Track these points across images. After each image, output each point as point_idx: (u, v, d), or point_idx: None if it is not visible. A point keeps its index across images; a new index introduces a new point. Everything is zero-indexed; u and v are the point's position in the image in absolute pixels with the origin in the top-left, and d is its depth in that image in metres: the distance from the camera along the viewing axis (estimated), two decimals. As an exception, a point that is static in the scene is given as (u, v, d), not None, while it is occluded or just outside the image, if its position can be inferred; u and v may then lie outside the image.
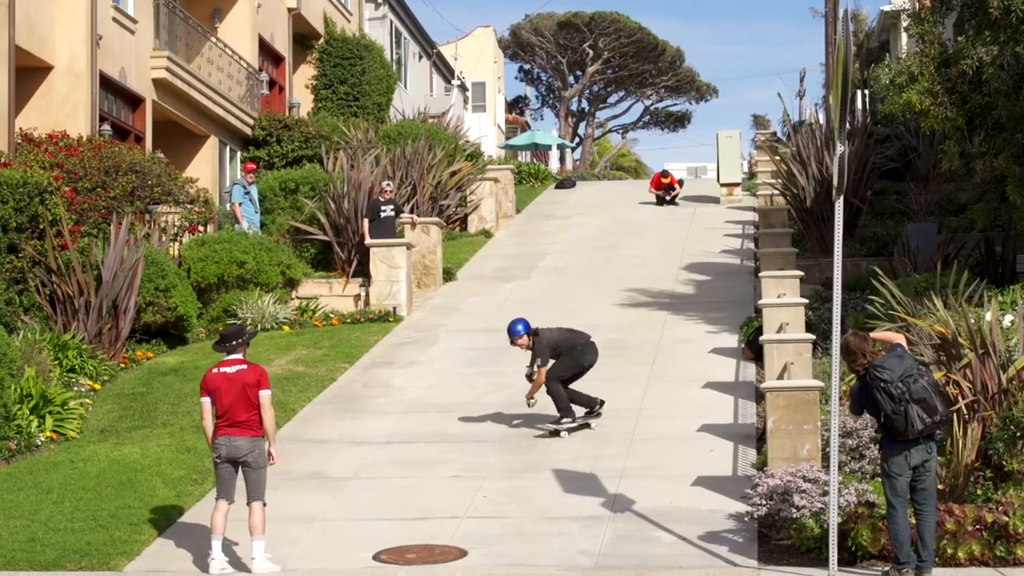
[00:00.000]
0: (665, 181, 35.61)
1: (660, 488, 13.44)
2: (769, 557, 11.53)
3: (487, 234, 30.76)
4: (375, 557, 11.96)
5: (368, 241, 23.42)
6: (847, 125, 11.04)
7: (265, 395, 11.72)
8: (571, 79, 69.86)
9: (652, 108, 74.79)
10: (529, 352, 15.71)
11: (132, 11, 26.56)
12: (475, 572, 11.46)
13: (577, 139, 70.63)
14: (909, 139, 29.82)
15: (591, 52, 67.25)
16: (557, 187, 40.65)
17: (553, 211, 34.64)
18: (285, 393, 17.50)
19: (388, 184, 24.91)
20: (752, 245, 27.59)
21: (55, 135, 22.64)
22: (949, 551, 11.04)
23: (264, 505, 11.73)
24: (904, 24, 21.11)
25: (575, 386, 15.87)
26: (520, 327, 15.65)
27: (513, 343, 15.75)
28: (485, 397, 17.34)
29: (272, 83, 34.36)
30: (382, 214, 24.14)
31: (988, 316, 13.98)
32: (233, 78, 30.86)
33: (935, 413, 10.62)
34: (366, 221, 24.01)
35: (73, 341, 18.21)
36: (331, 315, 22.44)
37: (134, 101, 26.91)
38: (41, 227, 19.10)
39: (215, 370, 11.89)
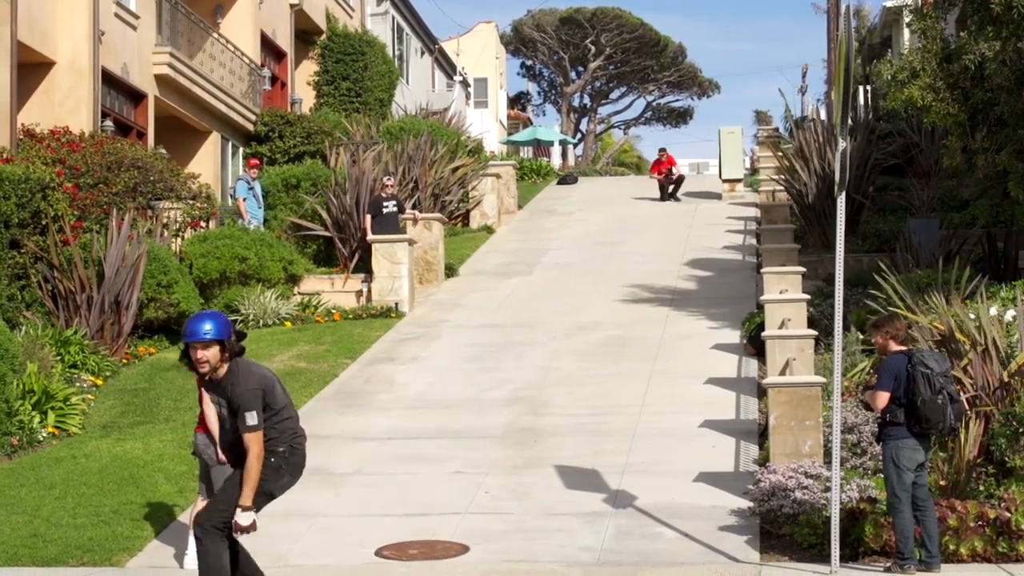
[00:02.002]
0: (664, 163, 35.49)
1: (662, 484, 13.44)
2: (771, 553, 11.53)
3: (489, 230, 30.75)
4: (377, 553, 11.96)
5: (370, 237, 23.42)
6: (849, 121, 11.04)
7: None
8: (573, 75, 69.86)
9: (654, 104, 74.84)
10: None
11: (134, 7, 26.57)
12: (477, 568, 11.46)
13: (579, 135, 70.63)
14: (911, 135, 29.81)
15: (593, 48, 67.25)
16: (559, 183, 40.65)
17: (555, 207, 34.63)
18: (287, 388, 17.50)
19: (390, 180, 24.91)
20: (754, 241, 27.58)
21: (57, 131, 22.65)
22: (951, 547, 11.04)
23: None
24: (906, 20, 21.09)
25: None
26: (211, 325, 8.66)
27: (194, 357, 8.72)
28: (487, 393, 17.34)
29: (274, 79, 34.36)
30: (384, 210, 24.14)
31: (992, 311, 13.99)
32: (235, 74, 30.86)
33: (959, 418, 11.01)
34: (368, 217, 24.01)
35: (75, 337, 18.21)
36: (333, 311, 22.44)
37: (136, 97, 26.92)
38: (43, 223, 19.10)
39: None
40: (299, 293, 23.26)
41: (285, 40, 35.14)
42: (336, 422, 16.35)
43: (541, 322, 21.23)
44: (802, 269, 19.99)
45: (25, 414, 15.36)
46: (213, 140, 29.98)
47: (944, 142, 22.76)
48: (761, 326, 17.86)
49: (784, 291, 18.63)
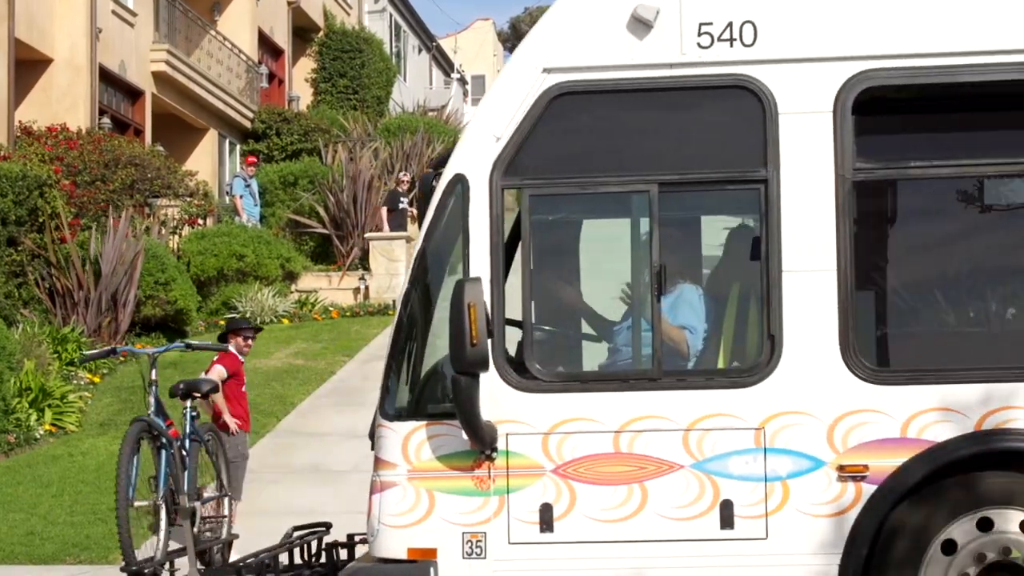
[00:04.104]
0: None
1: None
2: (769, 550, 11.51)
3: (487, 227, 30.68)
4: (375, 550, 11.93)
5: (368, 235, 23.41)
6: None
7: None
8: (571, 72, 69.89)
9: (652, 101, 74.84)
10: None
11: (132, 4, 26.55)
12: (475, 565, 11.43)
13: (577, 132, 70.66)
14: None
15: (591, 45, 67.27)
16: (556, 180, 40.59)
17: (553, 204, 34.55)
18: (285, 386, 17.50)
19: (405, 175, 24.78)
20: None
21: (54, 128, 22.62)
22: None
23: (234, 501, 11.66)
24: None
25: None
26: None
27: None
28: (485, 390, 17.30)
29: (271, 76, 34.33)
30: (400, 205, 24.03)
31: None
32: (233, 71, 30.84)
33: None
34: (384, 210, 23.87)
35: (72, 334, 18.18)
36: (331, 308, 22.42)
37: (134, 94, 26.90)
38: (40, 220, 19.06)
39: None
40: (297, 291, 23.24)
41: (283, 37, 35.11)
42: (334, 419, 16.33)
43: (539, 319, 21.20)
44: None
45: (22, 412, 15.34)
46: (211, 137, 29.95)
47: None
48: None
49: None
